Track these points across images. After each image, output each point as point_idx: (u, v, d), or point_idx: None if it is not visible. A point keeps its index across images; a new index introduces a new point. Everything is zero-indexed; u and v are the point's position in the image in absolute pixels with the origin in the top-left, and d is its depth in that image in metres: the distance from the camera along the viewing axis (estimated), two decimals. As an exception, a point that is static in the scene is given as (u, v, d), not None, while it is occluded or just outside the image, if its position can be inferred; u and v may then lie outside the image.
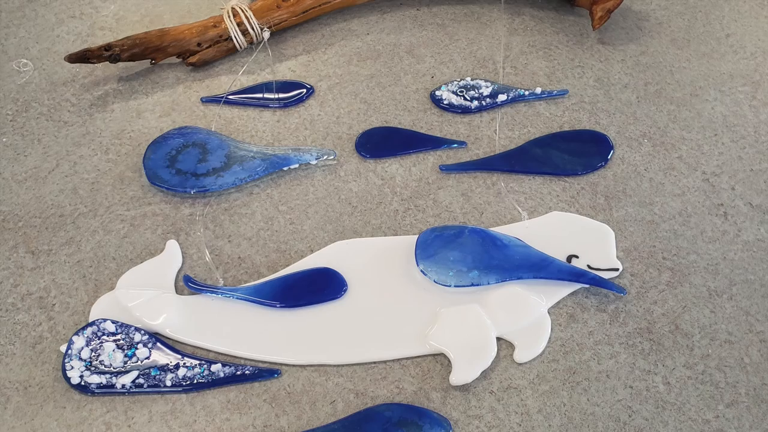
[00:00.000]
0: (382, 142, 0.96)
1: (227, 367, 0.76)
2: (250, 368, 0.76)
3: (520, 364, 0.77)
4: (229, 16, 1.04)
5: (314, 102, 1.01)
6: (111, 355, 0.76)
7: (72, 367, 0.75)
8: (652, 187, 0.91)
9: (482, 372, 0.75)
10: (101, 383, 0.74)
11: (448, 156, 0.94)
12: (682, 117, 0.98)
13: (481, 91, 1.01)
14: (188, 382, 0.75)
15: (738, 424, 0.73)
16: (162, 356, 0.77)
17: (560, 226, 0.87)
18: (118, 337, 0.77)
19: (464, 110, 0.99)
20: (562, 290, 0.81)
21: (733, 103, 1.00)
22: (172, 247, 0.86)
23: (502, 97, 1.00)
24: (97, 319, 0.78)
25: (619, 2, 1.05)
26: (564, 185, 0.91)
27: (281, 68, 1.05)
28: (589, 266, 0.83)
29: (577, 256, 0.84)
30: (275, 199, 0.90)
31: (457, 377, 0.75)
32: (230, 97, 1.01)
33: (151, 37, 1.02)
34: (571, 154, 0.94)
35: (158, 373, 0.75)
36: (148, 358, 0.76)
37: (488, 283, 0.80)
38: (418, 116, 0.99)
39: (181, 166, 0.91)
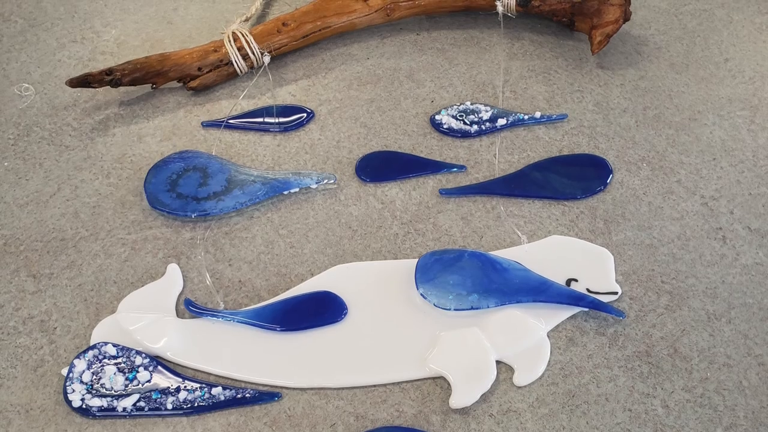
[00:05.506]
0: (382, 166, 0.96)
1: (228, 390, 0.76)
2: (251, 391, 0.76)
3: (519, 387, 0.77)
4: (229, 41, 1.04)
5: (314, 126, 1.02)
6: (112, 378, 0.76)
7: (73, 390, 0.75)
8: (650, 211, 0.91)
9: (482, 395, 0.75)
10: (102, 406, 0.74)
11: (448, 180, 0.95)
12: (681, 141, 0.99)
13: (480, 115, 1.01)
14: (189, 406, 0.75)
15: (737, 447, 0.73)
16: (163, 379, 0.77)
17: (559, 249, 0.87)
18: (119, 360, 0.77)
19: (464, 134, 1.00)
20: (562, 314, 0.82)
21: (731, 128, 1.00)
22: (173, 270, 0.86)
23: (501, 122, 1.00)
24: (99, 343, 0.78)
25: (618, 27, 1.05)
26: (563, 209, 0.91)
27: (281, 92, 1.06)
28: (588, 290, 0.83)
29: (576, 280, 0.84)
30: (276, 223, 0.91)
31: (457, 400, 0.75)
32: (231, 121, 1.02)
33: (152, 62, 1.02)
34: (571, 178, 0.94)
35: (159, 396, 0.75)
36: (149, 381, 0.76)
37: (488, 307, 0.80)
38: (418, 140, 0.99)
39: (182, 190, 0.91)
